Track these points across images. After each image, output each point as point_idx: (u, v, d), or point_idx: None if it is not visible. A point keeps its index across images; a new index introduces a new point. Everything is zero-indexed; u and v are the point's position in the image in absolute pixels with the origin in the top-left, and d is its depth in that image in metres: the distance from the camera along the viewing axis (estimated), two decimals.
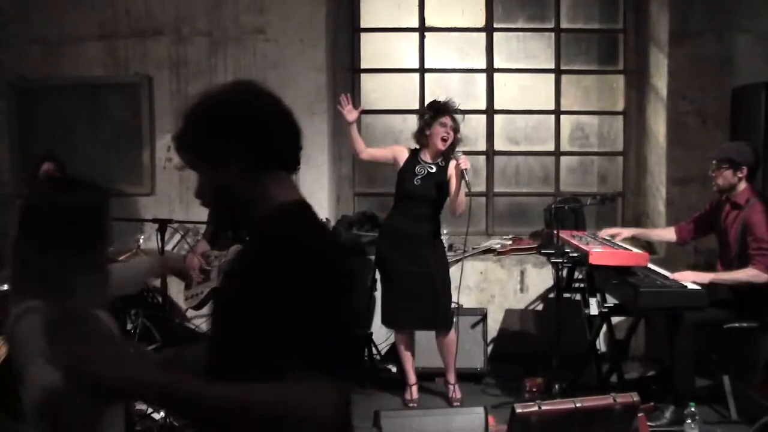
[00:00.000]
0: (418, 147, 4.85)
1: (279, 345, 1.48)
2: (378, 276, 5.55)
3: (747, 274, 4.30)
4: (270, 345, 1.50)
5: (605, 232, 4.95)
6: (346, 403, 1.57)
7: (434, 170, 4.73)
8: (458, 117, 4.75)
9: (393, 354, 5.28)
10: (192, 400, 1.47)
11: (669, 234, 4.98)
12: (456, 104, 4.77)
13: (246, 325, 1.56)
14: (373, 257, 5.56)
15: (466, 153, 4.88)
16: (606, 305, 4.56)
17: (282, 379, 1.45)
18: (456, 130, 4.71)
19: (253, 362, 1.53)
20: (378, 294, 5.52)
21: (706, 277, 4.35)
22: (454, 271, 5.07)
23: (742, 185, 4.47)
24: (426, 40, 6.26)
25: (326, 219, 4.91)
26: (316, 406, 1.44)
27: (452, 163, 4.66)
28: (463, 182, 4.58)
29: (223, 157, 1.60)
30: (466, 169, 4.55)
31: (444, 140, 4.66)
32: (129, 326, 4.99)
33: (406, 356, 4.89)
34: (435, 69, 6.28)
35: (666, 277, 4.38)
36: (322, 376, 1.45)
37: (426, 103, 5.13)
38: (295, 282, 1.49)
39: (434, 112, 4.73)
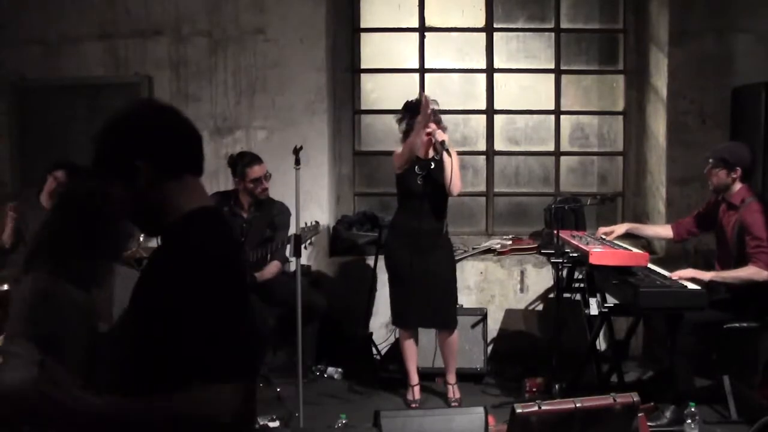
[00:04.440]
0: None
1: (177, 352, 1.60)
2: (378, 276, 5.56)
3: (747, 272, 4.30)
4: (170, 352, 1.61)
5: (601, 231, 4.95)
6: (250, 399, 1.73)
7: (433, 166, 4.73)
8: (436, 108, 4.75)
9: (393, 354, 5.28)
10: (95, 419, 1.59)
11: (665, 231, 4.97)
12: (429, 98, 4.81)
13: (149, 333, 1.67)
14: (371, 257, 5.57)
15: (466, 153, 4.91)
16: (606, 305, 4.56)
17: (183, 387, 1.57)
18: (436, 122, 4.71)
19: (155, 371, 1.66)
20: (379, 294, 5.53)
21: (706, 275, 4.34)
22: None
23: (737, 186, 4.46)
24: (426, 40, 6.26)
25: (315, 222, 4.91)
26: (214, 411, 1.57)
27: (446, 156, 4.66)
28: (446, 154, 4.58)
29: (130, 170, 1.74)
30: (442, 141, 4.58)
31: (428, 134, 4.67)
32: None
33: (411, 356, 4.87)
34: (435, 69, 6.28)
35: (666, 277, 4.37)
36: (219, 380, 1.58)
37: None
38: (193, 289, 1.62)
39: (409, 113, 4.77)
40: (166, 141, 1.77)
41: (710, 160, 4.51)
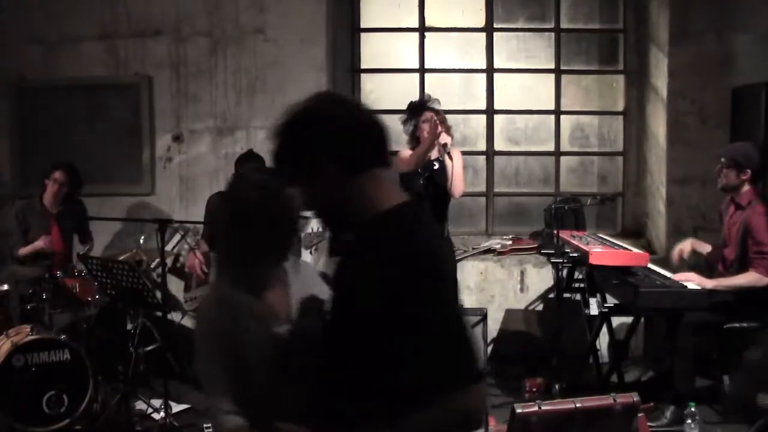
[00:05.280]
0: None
1: (407, 361, 1.56)
2: None
3: (747, 279, 4.29)
4: (396, 361, 1.57)
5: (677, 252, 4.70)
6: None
7: (437, 167, 4.73)
8: (438, 107, 4.76)
9: None
10: None
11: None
12: (432, 98, 4.81)
13: (365, 342, 1.62)
14: None
15: (466, 153, 4.90)
16: (606, 305, 4.56)
17: (433, 396, 1.55)
18: (441, 121, 4.72)
19: (377, 381, 1.61)
20: None
21: (708, 283, 4.32)
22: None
23: (746, 187, 4.46)
24: (426, 40, 6.26)
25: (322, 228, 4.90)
26: (472, 410, 1.59)
27: (448, 159, 4.66)
28: (448, 156, 4.61)
29: (319, 166, 1.68)
30: (445, 144, 4.59)
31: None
32: (129, 326, 4.99)
33: None
34: (435, 69, 6.28)
35: (666, 277, 4.38)
36: (471, 382, 1.58)
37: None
38: (415, 297, 1.56)
39: (413, 112, 4.78)
40: (352, 136, 1.70)
41: (722, 159, 4.48)
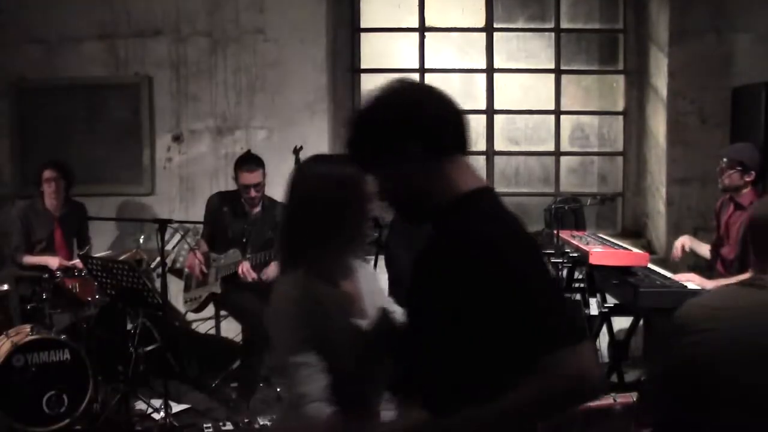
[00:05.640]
0: None
1: (504, 334, 1.56)
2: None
3: None
4: (494, 336, 1.58)
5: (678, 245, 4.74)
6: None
7: None
8: None
9: None
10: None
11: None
12: None
13: (446, 327, 1.63)
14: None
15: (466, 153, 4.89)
16: (606, 305, 4.55)
17: (538, 360, 1.54)
18: None
19: (472, 364, 1.62)
20: None
21: (708, 284, 4.30)
22: None
23: (748, 188, 4.45)
24: (426, 40, 6.26)
25: None
26: (585, 369, 1.56)
27: None
28: None
29: (398, 154, 1.67)
30: None
31: None
32: (129, 326, 4.99)
33: None
34: (435, 69, 6.28)
35: (666, 277, 4.37)
36: (575, 342, 1.55)
37: None
38: (505, 274, 1.56)
39: None
40: (438, 122, 1.68)
41: (724, 160, 4.45)
